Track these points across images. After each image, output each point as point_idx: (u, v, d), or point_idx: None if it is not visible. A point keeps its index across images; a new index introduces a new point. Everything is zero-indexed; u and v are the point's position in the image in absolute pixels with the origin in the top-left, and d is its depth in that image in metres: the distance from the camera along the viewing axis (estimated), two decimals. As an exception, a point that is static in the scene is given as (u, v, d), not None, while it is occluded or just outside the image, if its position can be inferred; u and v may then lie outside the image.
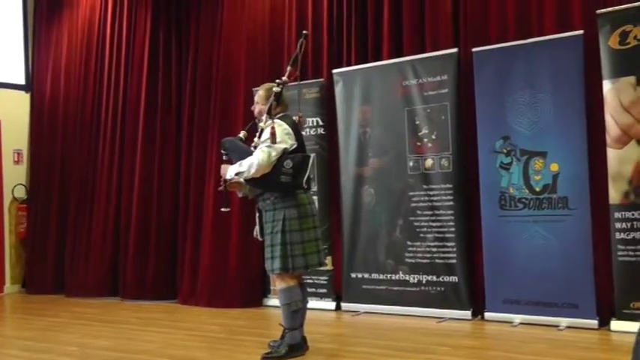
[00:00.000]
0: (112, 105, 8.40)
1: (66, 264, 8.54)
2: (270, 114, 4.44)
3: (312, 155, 4.42)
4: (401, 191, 6.11)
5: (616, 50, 5.04)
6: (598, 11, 5.17)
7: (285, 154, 4.36)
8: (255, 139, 4.47)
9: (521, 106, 5.47)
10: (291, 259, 4.36)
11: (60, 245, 8.70)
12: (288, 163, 4.33)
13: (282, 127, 4.39)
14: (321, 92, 6.71)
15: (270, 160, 4.31)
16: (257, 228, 4.65)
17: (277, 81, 4.54)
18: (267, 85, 4.73)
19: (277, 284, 4.53)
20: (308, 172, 4.39)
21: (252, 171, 4.33)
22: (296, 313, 4.45)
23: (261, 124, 4.49)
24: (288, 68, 4.56)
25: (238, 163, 4.43)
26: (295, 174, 4.34)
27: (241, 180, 4.44)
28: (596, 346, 4.76)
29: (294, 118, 4.57)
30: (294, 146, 4.42)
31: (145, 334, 5.72)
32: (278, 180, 4.34)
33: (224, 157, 4.62)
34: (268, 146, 4.33)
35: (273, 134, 4.30)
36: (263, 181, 4.40)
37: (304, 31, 4.76)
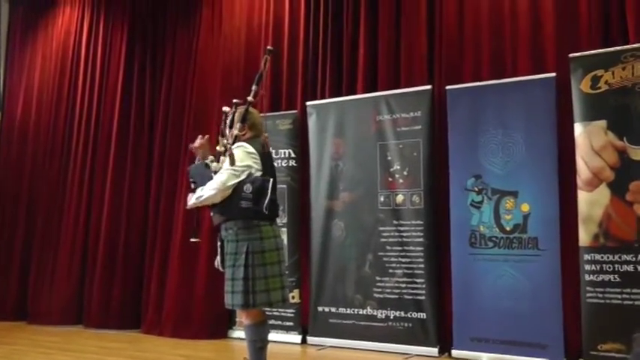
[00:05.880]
0: (84, 130, 8.32)
1: (29, 291, 8.33)
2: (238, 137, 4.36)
3: (271, 179, 4.16)
4: (371, 226, 6.08)
5: (587, 94, 5.10)
6: (570, 55, 5.24)
7: (248, 177, 4.18)
8: (215, 164, 4.35)
9: (493, 145, 5.50)
10: (253, 295, 4.13)
11: (24, 271, 8.50)
12: (247, 188, 4.13)
13: (246, 150, 4.23)
14: (294, 124, 6.69)
15: (228, 182, 4.13)
16: (218, 258, 4.48)
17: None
18: (241, 109, 4.63)
19: (244, 319, 4.42)
20: (268, 196, 4.13)
21: (212, 193, 4.17)
22: (262, 350, 4.36)
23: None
24: (253, 87, 4.43)
25: (200, 188, 4.29)
26: (255, 199, 4.11)
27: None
28: (563, 388, 4.76)
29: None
30: (259, 172, 4.22)
31: (107, 364, 5.60)
32: (238, 205, 4.13)
33: (192, 186, 4.41)
34: (228, 169, 4.17)
35: (231, 155, 4.14)
36: (224, 206, 4.21)
37: (269, 47, 4.70)
